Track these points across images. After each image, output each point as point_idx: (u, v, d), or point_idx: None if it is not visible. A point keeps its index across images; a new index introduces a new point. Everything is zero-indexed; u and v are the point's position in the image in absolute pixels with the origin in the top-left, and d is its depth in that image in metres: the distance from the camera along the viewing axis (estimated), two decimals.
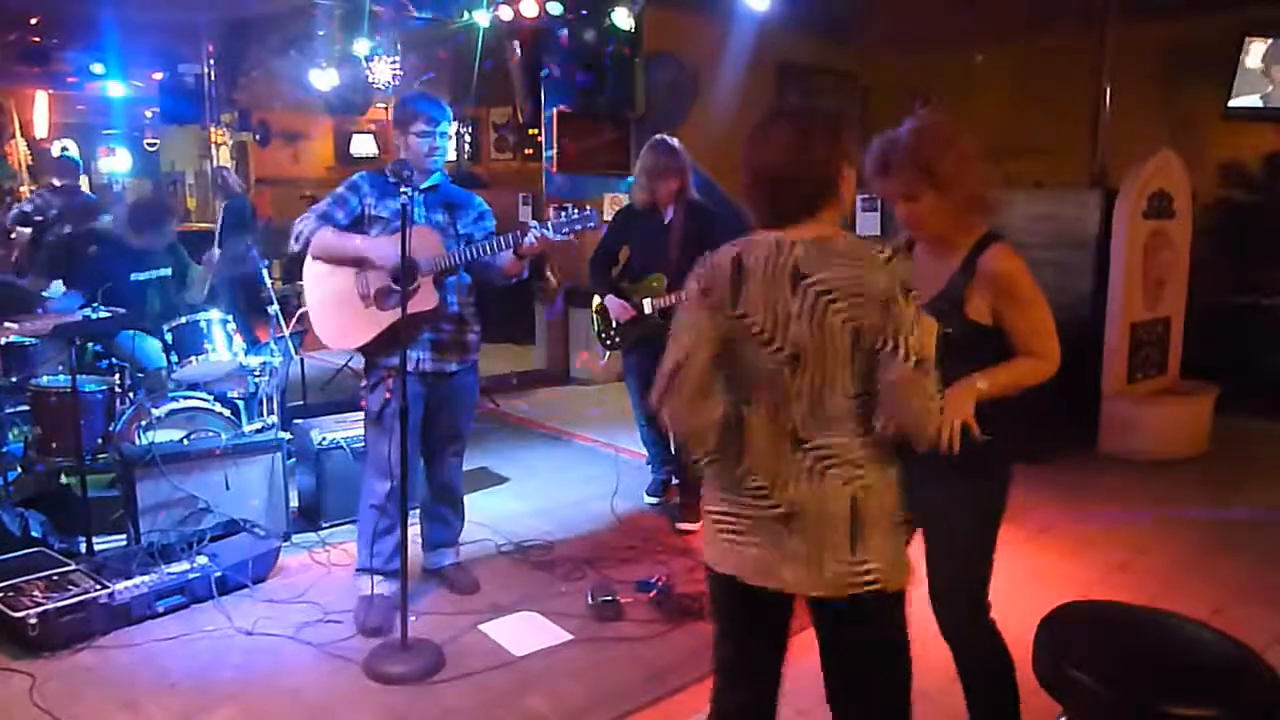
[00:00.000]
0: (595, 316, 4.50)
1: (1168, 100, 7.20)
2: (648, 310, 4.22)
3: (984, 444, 2.05)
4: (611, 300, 4.31)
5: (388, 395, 3.32)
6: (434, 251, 3.26)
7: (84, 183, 7.91)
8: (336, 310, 3.37)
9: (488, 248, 3.25)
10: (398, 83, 8.45)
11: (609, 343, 4.45)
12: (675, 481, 4.49)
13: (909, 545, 1.90)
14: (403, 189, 2.99)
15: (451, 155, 11.30)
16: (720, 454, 1.85)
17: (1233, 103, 6.69)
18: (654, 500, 4.54)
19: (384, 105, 10.99)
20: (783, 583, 1.78)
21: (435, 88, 10.12)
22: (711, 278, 1.83)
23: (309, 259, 3.39)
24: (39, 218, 6.70)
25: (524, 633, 3.26)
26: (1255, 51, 6.58)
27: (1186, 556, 4.00)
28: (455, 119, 3.49)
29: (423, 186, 3.40)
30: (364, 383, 3.48)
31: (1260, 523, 4.40)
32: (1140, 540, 4.14)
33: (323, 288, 3.40)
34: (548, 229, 3.20)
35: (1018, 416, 2.21)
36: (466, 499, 3.76)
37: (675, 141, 4.24)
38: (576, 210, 3.30)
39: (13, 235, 6.79)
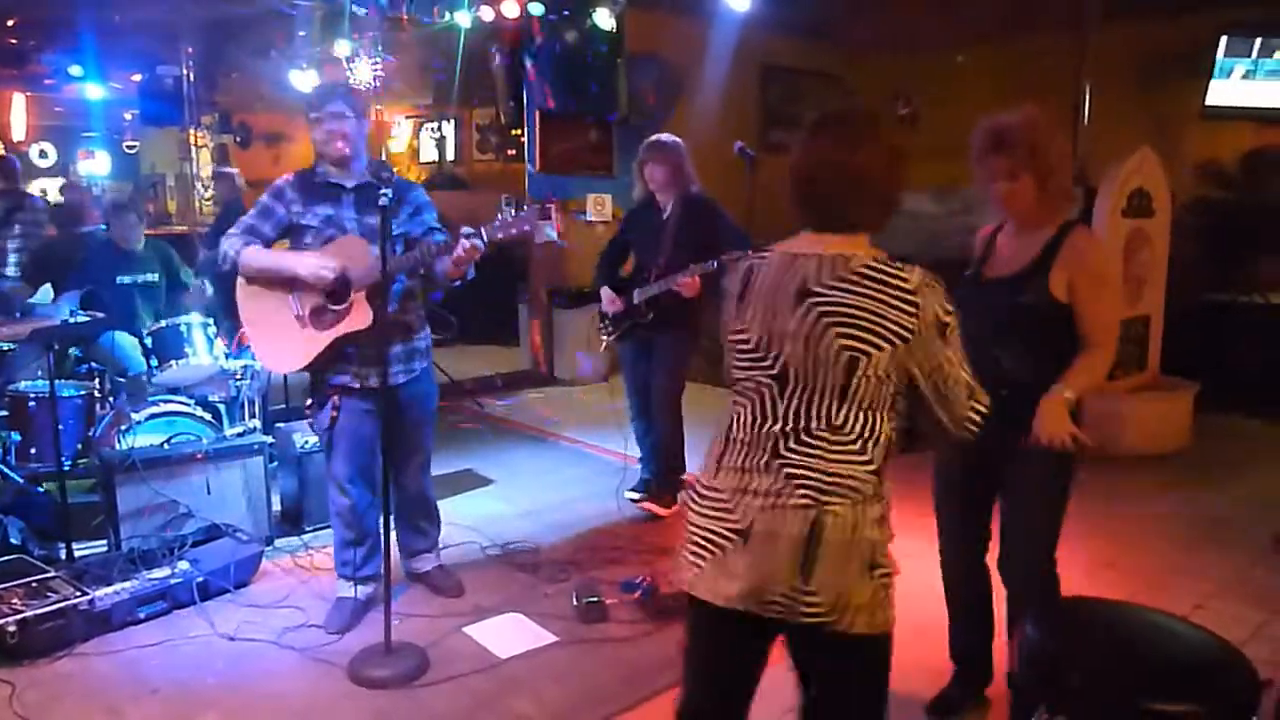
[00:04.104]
0: (599, 310, 4.54)
1: (1146, 99, 7.26)
2: (635, 300, 4.25)
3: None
4: (604, 291, 4.38)
5: (334, 414, 3.20)
6: (364, 262, 3.04)
7: (56, 186, 7.70)
8: (272, 332, 3.20)
9: (424, 254, 3.04)
10: (379, 83, 8.41)
11: (604, 335, 4.50)
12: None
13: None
14: (382, 191, 2.79)
15: (433, 154, 11.26)
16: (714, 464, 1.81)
17: (1210, 101, 6.76)
18: (635, 496, 4.51)
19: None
20: (728, 599, 1.71)
21: (416, 88, 10.09)
22: (732, 285, 1.85)
23: (240, 279, 3.21)
24: None
25: (509, 635, 3.25)
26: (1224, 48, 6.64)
27: (1168, 552, 4.03)
28: (349, 99, 3.12)
29: (349, 186, 3.17)
30: (309, 401, 3.32)
31: (1240, 518, 4.43)
32: (1123, 536, 4.17)
33: (256, 308, 3.21)
34: (481, 237, 2.97)
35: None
36: (451, 501, 3.76)
37: (666, 136, 4.29)
38: (515, 211, 3.03)
39: None
